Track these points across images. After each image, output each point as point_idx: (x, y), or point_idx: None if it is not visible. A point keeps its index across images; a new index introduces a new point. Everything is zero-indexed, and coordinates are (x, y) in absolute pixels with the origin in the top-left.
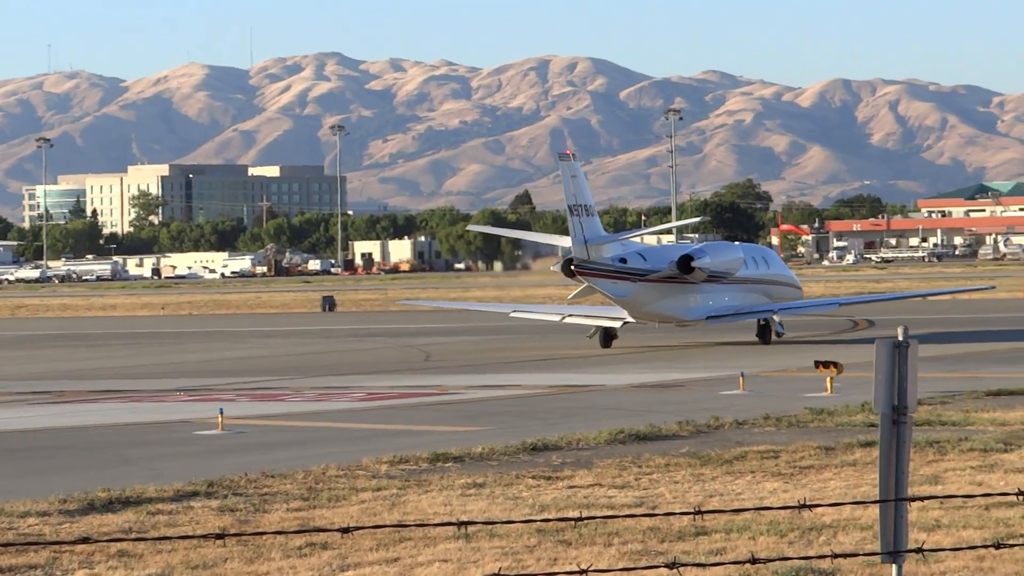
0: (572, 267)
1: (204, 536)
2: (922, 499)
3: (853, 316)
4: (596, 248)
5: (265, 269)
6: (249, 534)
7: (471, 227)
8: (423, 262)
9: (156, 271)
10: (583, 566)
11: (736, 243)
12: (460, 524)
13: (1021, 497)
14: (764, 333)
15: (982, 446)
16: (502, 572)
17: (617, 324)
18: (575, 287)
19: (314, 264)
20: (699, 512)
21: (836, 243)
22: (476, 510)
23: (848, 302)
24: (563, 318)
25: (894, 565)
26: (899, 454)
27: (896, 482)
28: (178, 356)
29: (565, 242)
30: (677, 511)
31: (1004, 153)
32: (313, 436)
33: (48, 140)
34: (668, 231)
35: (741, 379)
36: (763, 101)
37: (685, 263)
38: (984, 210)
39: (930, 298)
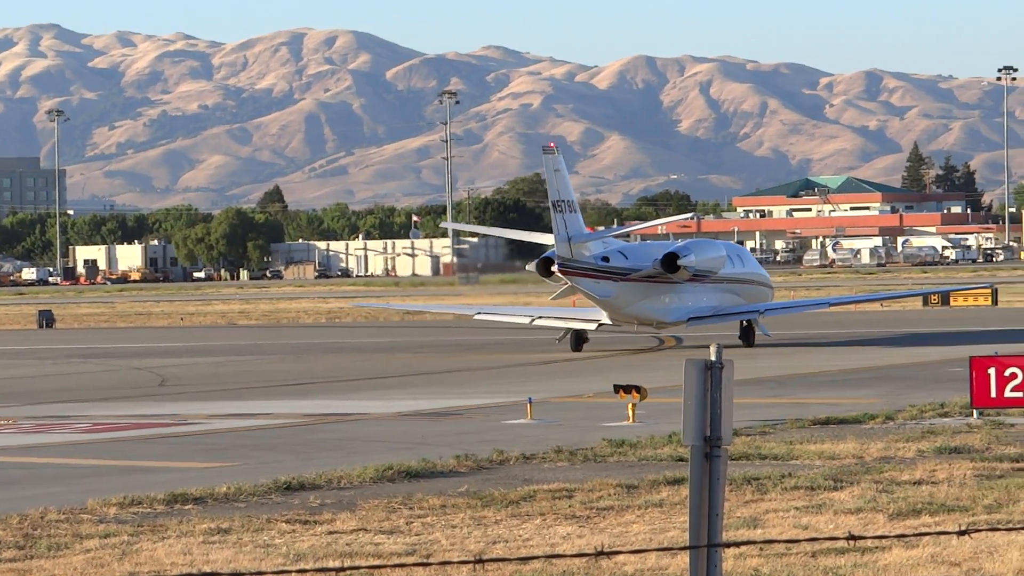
0: (551, 267)
1: None
2: (739, 544)
3: (659, 334)
4: (579, 246)
5: None
6: None
7: (445, 224)
8: (157, 270)
9: None
10: None
11: (719, 241)
12: None
13: (852, 542)
14: (747, 335)
15: (808, 483)
16: None
17: (591, 326)
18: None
19: (29, 273)
20: (480, 561)
21: None
22: (221, 560)
23: (839, 302)
24: (533, 320)
25: None
26: (712, 493)
27: (709, 525)
28: None
29: (549, 239)
30: (455, 560)
31: (832, 143)
32: (29, 474)
33: None
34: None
35: (529, 406)
36: (553, 82)
37: (670, 261)
38: (810, 209)
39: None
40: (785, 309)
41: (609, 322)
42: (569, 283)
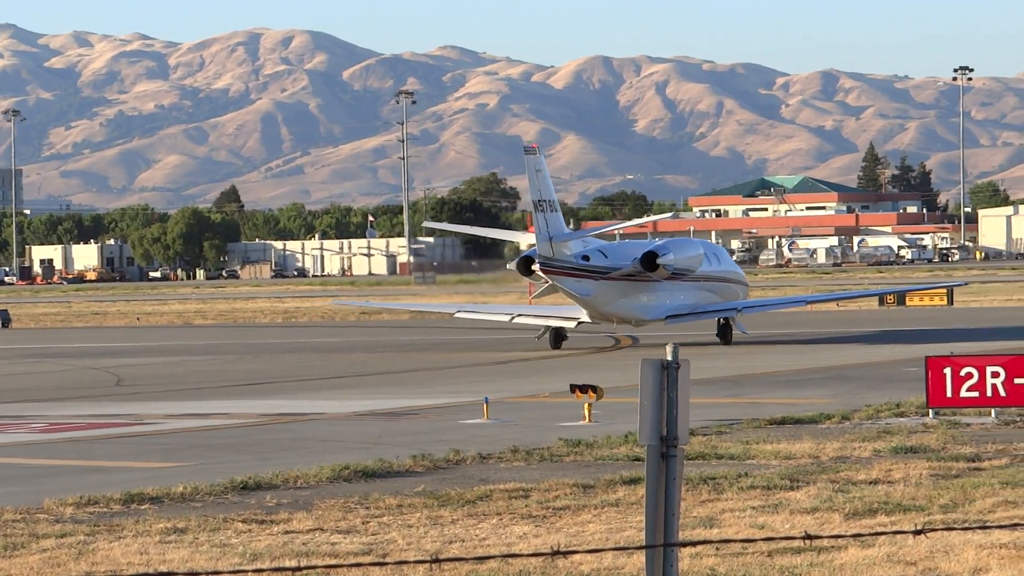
0: (532, 266)
1: None
2: (695, 544)
3: (615, 333)
4: (560, 245)
5: None
6: None
7: (428, 223)
8: (113, 270)
9: None
10: None
11: (696, 239)
12: None
13: (808, 541)
14: (725, 332)
15: (764, 483)
16: None
17: (571, 324)
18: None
19: None
20: (437, 560)
21: None
22: (177, 559)
23: (816, 299)
24: (512, 318)
25: None
26: (668, 492)
27: (665, 525)
28: None
29: (528, 239)
30: (411, 559)
31: (789, 143)
32: None
33: None
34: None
35: (485, 406)
36: (510, 82)
37: (649, 260)
38: (766, 209)
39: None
40: (763, 307)
41: (589, 320)
42: (551, 282)
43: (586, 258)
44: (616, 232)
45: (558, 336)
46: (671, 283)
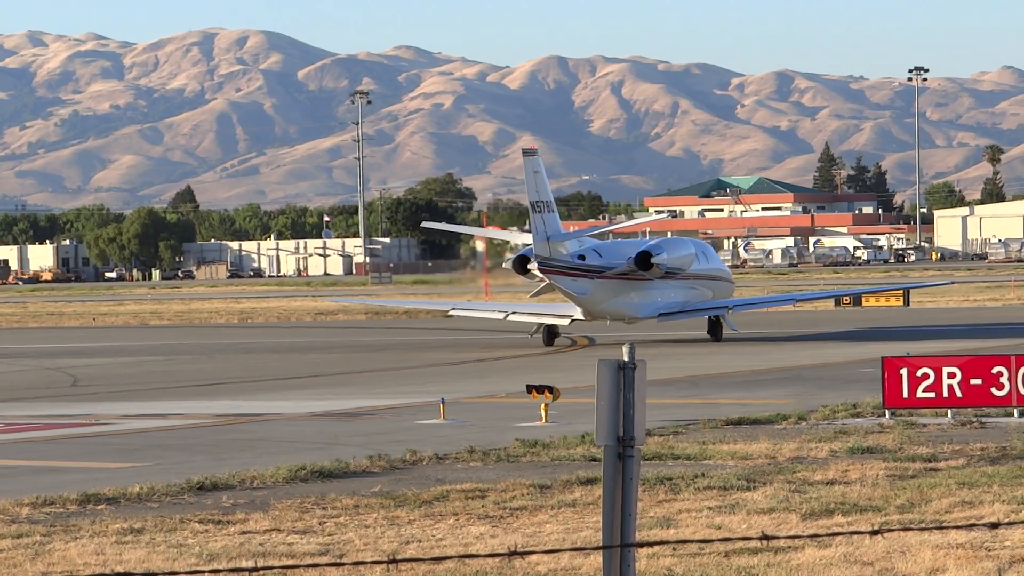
0: (529, 265)
1: None
2: (652, 544)
3: (572, 335)
4: (557, 245)
5: None
6: None
7: (427, 224)
8: (68, 270)
9: None
10: None
11: (687, 238)
12: None
13: (765, 542)
14: (715, 330)
15: (721, 483)
16: None
17: (565, 322)
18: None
19: None
20: (394, 561)
21: None
22: (134, 560)
23: (804, 298)
24: (507, 316)
25: None
26: (625, 493)
27: (622, 525)
28: None
29: (524, 238)
30: (368, 560)
31: (744, 143)
32: None
33: None
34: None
35: (442, 406)
36: (465, 82)
37: (644, 260)
38: (722, 209)
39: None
40: (753, 305)
41: (583, 318)
42: (547, 281)
43: (582, 257)
44: (609, 232)
45: (551, 333)
46: (663, 282)
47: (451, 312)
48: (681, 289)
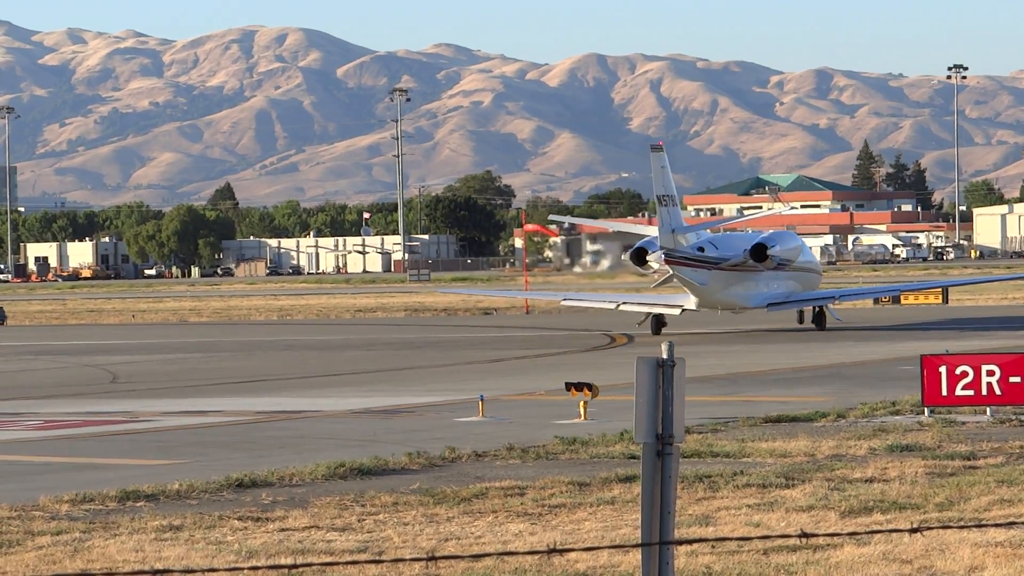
0: (648, 256)
1: None
2: (691, 542)
3: (610, 331)
4: (681, 237)
5: None
6: None
7: (553, 217)
8: (108, 267)
9: None
10: None
11: (789, 232)
12: (154, 573)
13: (804, 539)
14: (820, 320)
15: (760, 481)
16: None
17: (675, 312)
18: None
19: None
20: (433, 558)
21: (590, 247)
22: (173, 557)
23: (904, 289)
24: (618, 305)
25: None
26: (664, 490)
27: (661, 523)
28: None
29: (652, 231)
30: (407, 557)
31: (783, 141)
32: None
33: None
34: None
35: (480, 403)
36: (504, 80)
37: (759, 251)
38: (761, 207)
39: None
40: (859, 295)
41: (693, 308)
42: (672, 271)
43: (701, 249)
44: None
45: (659, 322)
46: (770, 273)
47: (563, 302)
48: (783, 280)
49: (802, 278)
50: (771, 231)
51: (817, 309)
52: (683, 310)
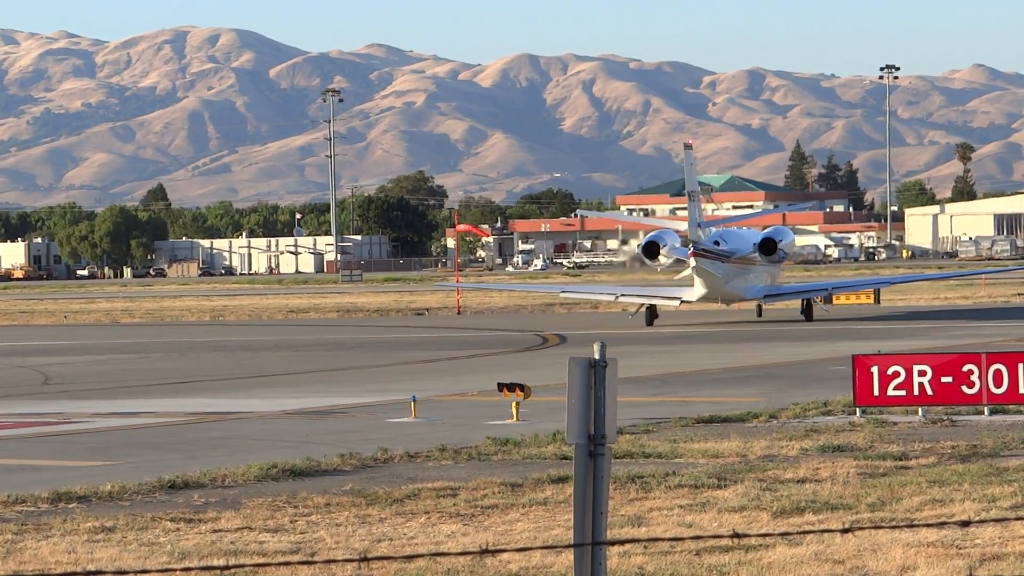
0: (656, 250)
1: None
2: (623, 543)
3: (543, 332)
4: (704, 232)
5: None
6: None
7: (581, 212)
8: (40, 268)
9: None
10: None
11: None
12: (87, 575)
13: (736, 540)
14: (808, 311)
15: (692, 481)
16: None
17: (673, 303)
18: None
19: None
20: (365, 559)
21: (522, 246)
22: (105, 558)
23: (893, 281)
24: (617, 297)
25: None
26: (596, 491)
27: (593, 523)
28: None
29: (680, 226)
30: (340, 558)
31: (716, 141)
32: None
33: None
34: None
35: (413, 404)
36: (437, 80)
37: (768, 246)
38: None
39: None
40: (849, 288)
41: (691, 299)
42: (695, 264)
43: (717, 243)
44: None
45: (652, 314)
46: (759, 266)
47: (561, 294)
48: (763, 274)
49: (773, 272)
50: (774, 227)
51: (806, 302)
52: (681, 301)
